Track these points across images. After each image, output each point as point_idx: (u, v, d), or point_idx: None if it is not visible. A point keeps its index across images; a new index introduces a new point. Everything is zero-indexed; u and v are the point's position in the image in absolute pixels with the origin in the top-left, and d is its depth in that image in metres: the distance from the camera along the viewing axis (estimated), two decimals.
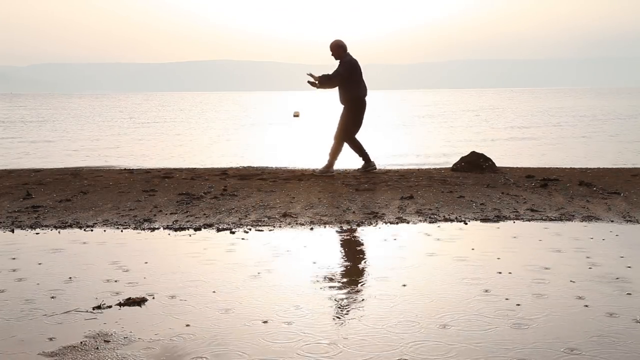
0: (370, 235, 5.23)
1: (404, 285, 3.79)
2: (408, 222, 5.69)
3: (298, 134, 21.25)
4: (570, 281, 3.84)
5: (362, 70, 8.88)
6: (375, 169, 9.00)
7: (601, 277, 3.93)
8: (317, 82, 8.72)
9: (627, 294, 3.61)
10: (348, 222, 5.69)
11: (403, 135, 20.16)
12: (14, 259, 4.54)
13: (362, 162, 9.00)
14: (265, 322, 3.19)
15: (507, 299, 3.51)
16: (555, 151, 14.33)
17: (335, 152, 8.79)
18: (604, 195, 6.89)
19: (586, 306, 3.39)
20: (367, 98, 8.80)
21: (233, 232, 5.35)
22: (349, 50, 8.78)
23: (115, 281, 3.94)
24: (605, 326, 3.10)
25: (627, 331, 3.05)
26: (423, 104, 57.15)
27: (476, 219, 5.81)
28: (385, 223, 5.67)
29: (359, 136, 8.87)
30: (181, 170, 9.49)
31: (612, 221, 5.67)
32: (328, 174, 8.62)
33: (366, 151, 8.92)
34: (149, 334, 3.05)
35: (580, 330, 3.05)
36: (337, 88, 8.81)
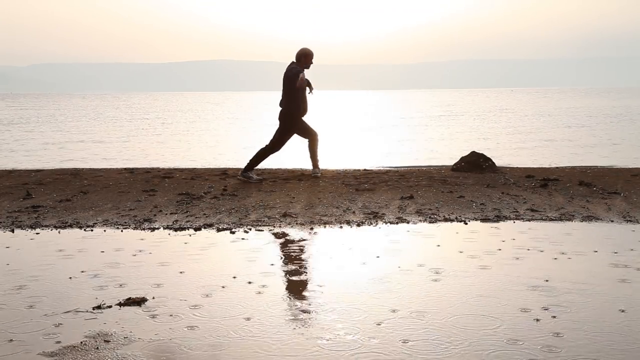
0: (370, 235, 5.23)
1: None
2: (408, 222, 5.69)
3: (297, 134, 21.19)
4: None
5: (289, 81, 8.31)
6: (251, 180, 8.08)
7: None
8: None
9: None
10: (348, 222, 5.69)
11: (405, 136, 20.14)
12: (13, 259, 4.54)
13: (246, 168, 8.18)
14: (271, 326, 3.21)
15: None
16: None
17: (313, 154, 8.58)
18: (604, 195, 6.89)
19: None
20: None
21: (233, 232, 5.35)
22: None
23: (115, 281, 3.94)
24: None
25: None
26: (427, 105, 57.10)
27: (476, 219, 5.81)
28: (386, 223, 5.67)
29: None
30: (181, 170, 9.49)
31: (612, 221, 5.67)
32: (314, 175, 8.48)
33: (257, 164, 8.25)
34: (149, 334, 3.05)
35: None
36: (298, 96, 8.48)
